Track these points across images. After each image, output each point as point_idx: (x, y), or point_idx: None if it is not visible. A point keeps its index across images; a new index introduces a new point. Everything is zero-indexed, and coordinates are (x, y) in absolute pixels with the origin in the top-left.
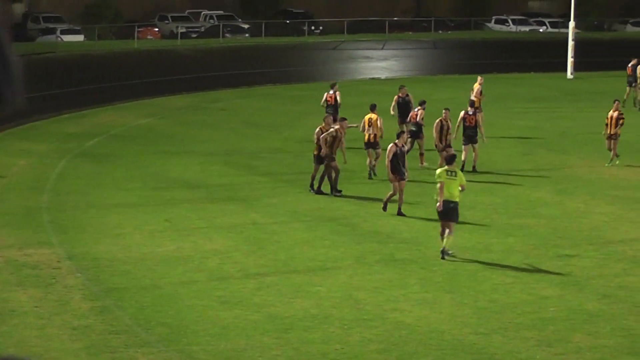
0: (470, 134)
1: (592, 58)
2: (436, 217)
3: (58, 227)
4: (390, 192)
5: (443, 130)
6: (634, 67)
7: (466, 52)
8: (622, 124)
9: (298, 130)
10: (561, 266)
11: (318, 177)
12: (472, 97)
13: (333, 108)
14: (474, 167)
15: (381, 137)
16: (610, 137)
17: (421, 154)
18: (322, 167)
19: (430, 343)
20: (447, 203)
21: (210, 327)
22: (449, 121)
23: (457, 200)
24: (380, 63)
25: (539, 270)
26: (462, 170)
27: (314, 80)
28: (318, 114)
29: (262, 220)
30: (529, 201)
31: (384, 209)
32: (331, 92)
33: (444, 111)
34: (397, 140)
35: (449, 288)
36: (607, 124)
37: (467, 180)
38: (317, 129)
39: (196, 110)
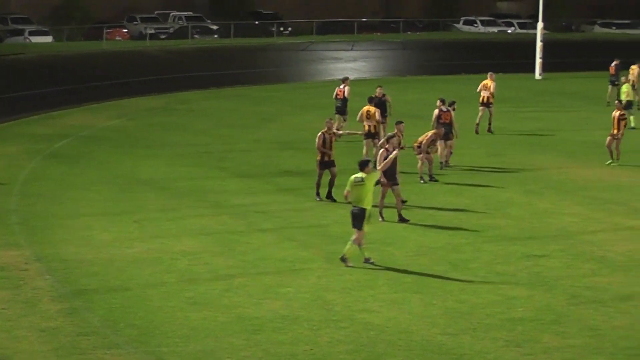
0: (445, 131)
1: (560, 59)
2: (408, 216)
3: (27, 229)
4: (380, 199)
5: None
6: (617, 67)
7: (435, 53)
8: (625, 125)
9: (268, 131)
10: (530, 266)
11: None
12: (484, 94)
13: (342, 102)
14: (446, 162)
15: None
16: (613, 136)
17: (449, 154)
18: (327, 173)
19: (399, 343)
20: (353, 208)
21: (179, 328)
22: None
23: (364, 207)
24: (349, 64)
25: (508, 271)
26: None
27: (283, 82)
28: (288, 114)
29: (232, 222)
30: (497, 202)
31: (382, 219)
32: (342, 86)
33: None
34: (387, 145)
35: (418, 289)
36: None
37: (433, 180)
38: (319, 134)
39: (165, 112)
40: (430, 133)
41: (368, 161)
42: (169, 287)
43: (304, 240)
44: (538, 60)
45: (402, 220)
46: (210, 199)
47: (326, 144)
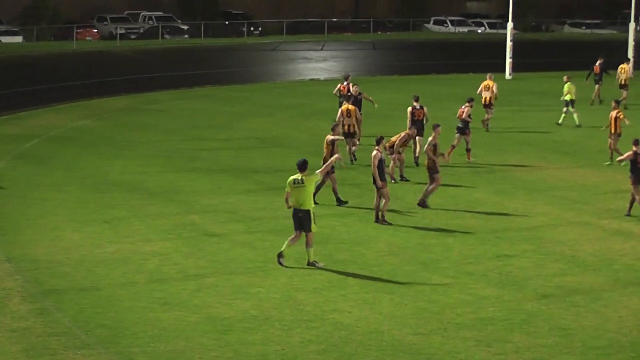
0: (418, 127)
1: (530, 59)
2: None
3: None
4: (376, 200)
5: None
6: (602, 66)
7: (405, 53)
8: (622, 119)
9: (238, 131)
10: (500, 266)
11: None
12: (486, 95)
13: (346, 98)
14: (416, 157)
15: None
16: (610, 135)
17: (468, 150)
18: (333, 177)
19: (370, 343)
20: (296, 212)
21: (149, 328)
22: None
23: (307, 208)
24: (319, 64)
25: (478, 271)
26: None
27: (254, 82)
28: (258, 114)
29: (202, 222)
30: (468, 201)
31: (385, 221)
32: (345, 82)
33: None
34: (378, 147)
35: (389, 289)
36: (610, 124)
37: (404, 180)
38: (329, 138)
39: (135, 112)
40: (403, 133)
41: (307, 162)
42: (140, 287)
43: (274, 240)
44: (508, 60)
45: (384, 221)
46: (180, 199)
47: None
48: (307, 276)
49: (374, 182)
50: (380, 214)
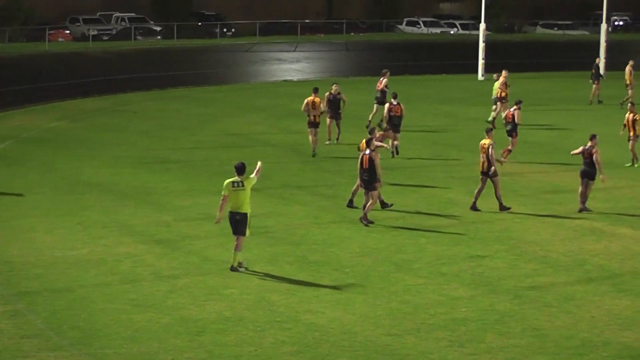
0: (396, 123)
1: (502, 60)
2: (349, 217)
3: None
4: (375, 199)
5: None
6: (597, 67)
7: (378, 53)
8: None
9: (211, 133)
10: (473, 267)
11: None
12: (495, 95)
13: (381, 92)
14: (395, 151)
15: (321, 114)
16: (630, 138)
17: (509, 151)
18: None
19: (344, 344)
20: (233, 215)
21: (122, 330)
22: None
23: (245, 212)
24: (292, 65)
25: (451, 271)
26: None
27: (227, 83)
28: (231, 116)
29: (175, 223)
30: (440, 202)
31: (366, 220)
32: (381, 78)
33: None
34: (371, 147)
35: (362, 289)
36: (624, 125)
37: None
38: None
39: (108, 113)
40: (378, 134)
41: (245, 165)
42: (113, 288)
43: (247, 241)
44: (481, 61)
45: (365, 220)
46: (153, 200)
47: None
48: (280, 277)
49: (372, 181)
50: (364, 213)
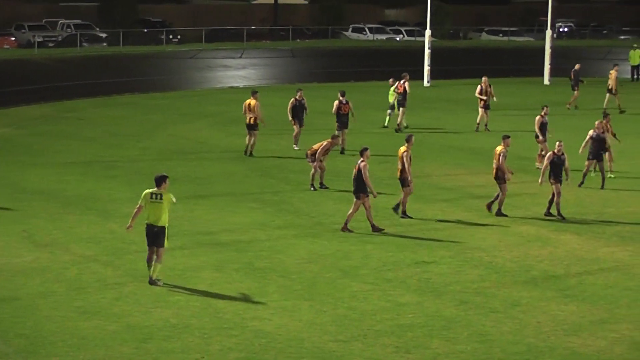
0: (345, 121)
1: (448, 66)
2: (298, 224)
3: None
4: (352, 210)
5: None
6: (576, 73)
7: (324, 60)
8: None
9: (157, 139)
10: (419, 273)
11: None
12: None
13: (402, 95)
14: (342, 149)
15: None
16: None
17: (541, 155)
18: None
19: (290, 351)
20: (151, 227)
21: (69, 337)
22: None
23: (163, 225)
24: (238, 72)
25: (397, 277)
26: (341, 153)
27: (173, 89)
28: (177, 122)
29: (121, 230)
30: (386, 208)
31: (347, 228)
32: (402, 81)
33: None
34: (363, 157)
35: (308, 296)
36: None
37: (324, 188)
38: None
39: (53, 120)
40: (325, 142)
41: (165, 177)
42: (59, 296)
43: (193, 248)
44: (426, 68)
45: (376, 229)
46: (99, 208)
47: None
48: (226, 284)
49: (359, 191)
50: (345, 222)
